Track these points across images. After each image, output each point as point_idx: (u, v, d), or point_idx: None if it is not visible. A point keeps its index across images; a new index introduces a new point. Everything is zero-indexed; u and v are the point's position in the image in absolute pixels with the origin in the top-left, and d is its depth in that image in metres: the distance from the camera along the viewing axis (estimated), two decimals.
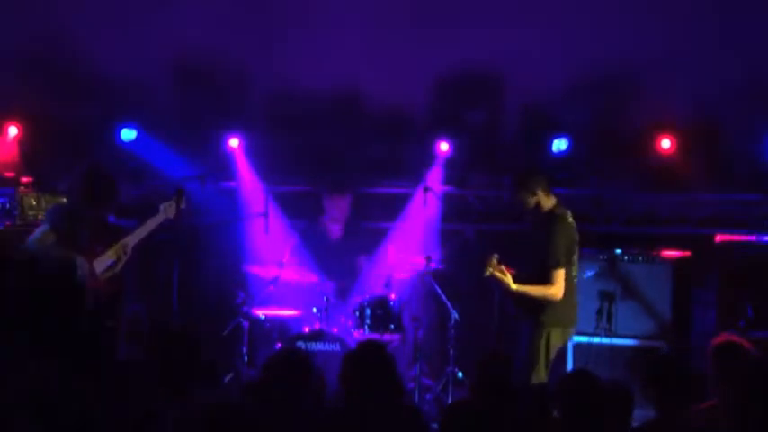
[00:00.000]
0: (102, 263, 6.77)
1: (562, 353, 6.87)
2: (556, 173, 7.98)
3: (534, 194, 6.64)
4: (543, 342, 6.48)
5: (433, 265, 8.22)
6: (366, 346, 5.18)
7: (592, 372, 4.92)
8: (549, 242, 6.50)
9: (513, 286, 6.47)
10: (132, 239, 6.88)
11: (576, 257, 6.69)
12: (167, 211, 7.10)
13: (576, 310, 6.74)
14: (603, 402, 4.64)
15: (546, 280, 6.48)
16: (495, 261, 6.50)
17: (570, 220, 6.68)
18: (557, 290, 6.47)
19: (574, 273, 6.67)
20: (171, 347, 4.68)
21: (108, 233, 6.85)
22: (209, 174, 8.55)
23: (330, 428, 4.72)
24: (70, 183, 6.96)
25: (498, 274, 6.49)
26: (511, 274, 6.50)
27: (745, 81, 8.47)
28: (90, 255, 6.70)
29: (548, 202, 6.68)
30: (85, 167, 6.99)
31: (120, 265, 6.83)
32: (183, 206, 7.20)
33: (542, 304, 6.51)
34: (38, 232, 6.71)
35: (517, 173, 6.81)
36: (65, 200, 7.07)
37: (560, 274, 6.48)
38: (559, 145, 8.84)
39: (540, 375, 6.44)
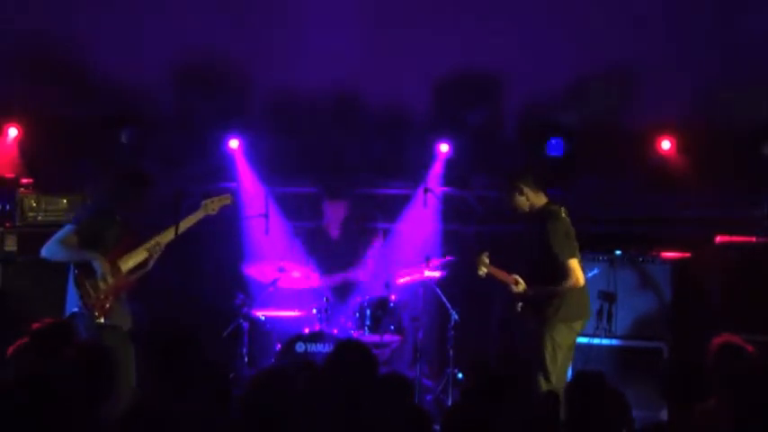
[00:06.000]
0: (129, 261, 6.72)
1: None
2: (554, 174, 8.00)
3: (522, 193, 6.63)
4: (548, 340, 6.47)
5: (436, 275, 8.21)
6: (344, 346, 5.05)
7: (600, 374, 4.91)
8: (552, 238, 6.48)
9: (525, 290, 6.46)
10: (167, 236, 6.83)
11: (578, 252, 6.67)
12: (207, 207, 7.06)
13: (585, 303, 6.69)
14: (610, 404, 4.62)
15: (561, 274, 6.46)
16: (486, 260, 6.50)
17: (564, 215, 6.66)
18: (575, 279, 6.46)
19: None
20: (171, 348, 4.67)
21: (133, 234, 6.81)
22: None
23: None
24: (100, 183, 6.94)
25: (501, 276, 6.48)
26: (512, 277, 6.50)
27: (744, 81, 8.47)
28: (115, 255, 6.66)
29: (538, 199, 6.67)
30: (116, 169, 6.98)
31: (151, 263, 6.79)
32: (228, 203, 7.18)
33: (545, 300, 6.49)
34: (62, 232, 6.65)
35: (503, 175, 6.82)
36: (88, 200, 7.07)
37: (574, 264, 6.47)
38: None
39: (549, 374, 6.40)
